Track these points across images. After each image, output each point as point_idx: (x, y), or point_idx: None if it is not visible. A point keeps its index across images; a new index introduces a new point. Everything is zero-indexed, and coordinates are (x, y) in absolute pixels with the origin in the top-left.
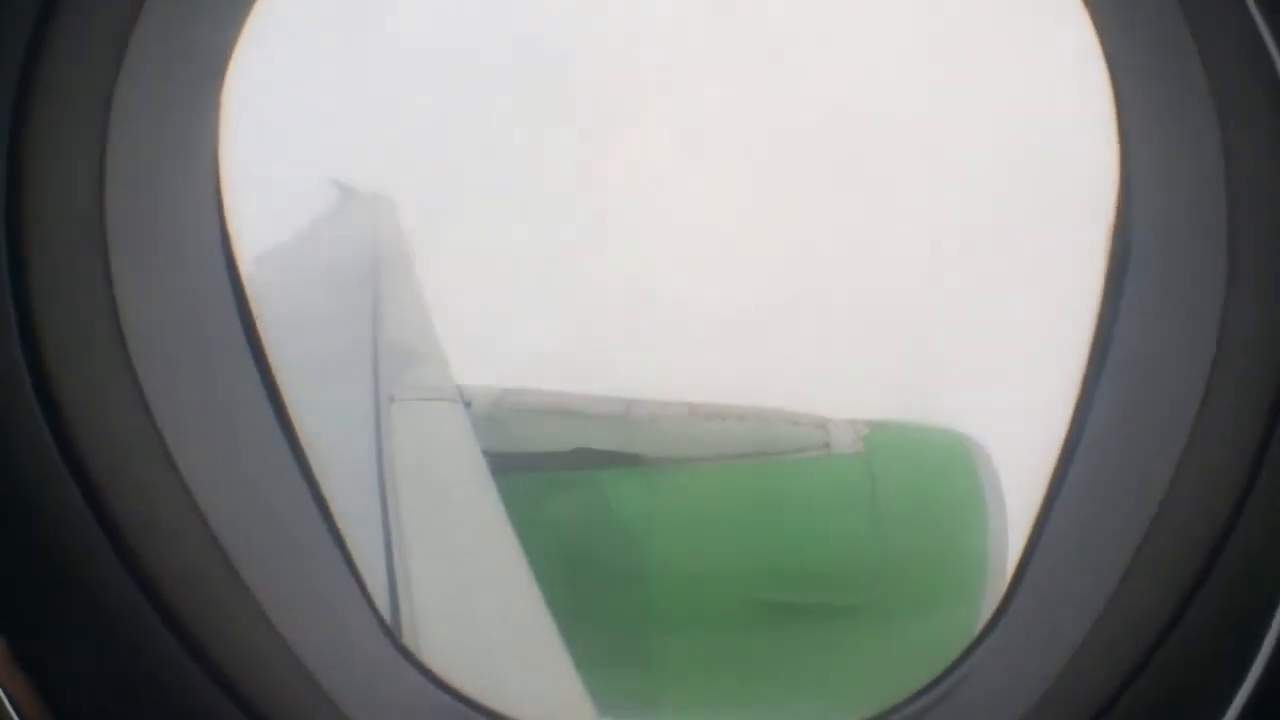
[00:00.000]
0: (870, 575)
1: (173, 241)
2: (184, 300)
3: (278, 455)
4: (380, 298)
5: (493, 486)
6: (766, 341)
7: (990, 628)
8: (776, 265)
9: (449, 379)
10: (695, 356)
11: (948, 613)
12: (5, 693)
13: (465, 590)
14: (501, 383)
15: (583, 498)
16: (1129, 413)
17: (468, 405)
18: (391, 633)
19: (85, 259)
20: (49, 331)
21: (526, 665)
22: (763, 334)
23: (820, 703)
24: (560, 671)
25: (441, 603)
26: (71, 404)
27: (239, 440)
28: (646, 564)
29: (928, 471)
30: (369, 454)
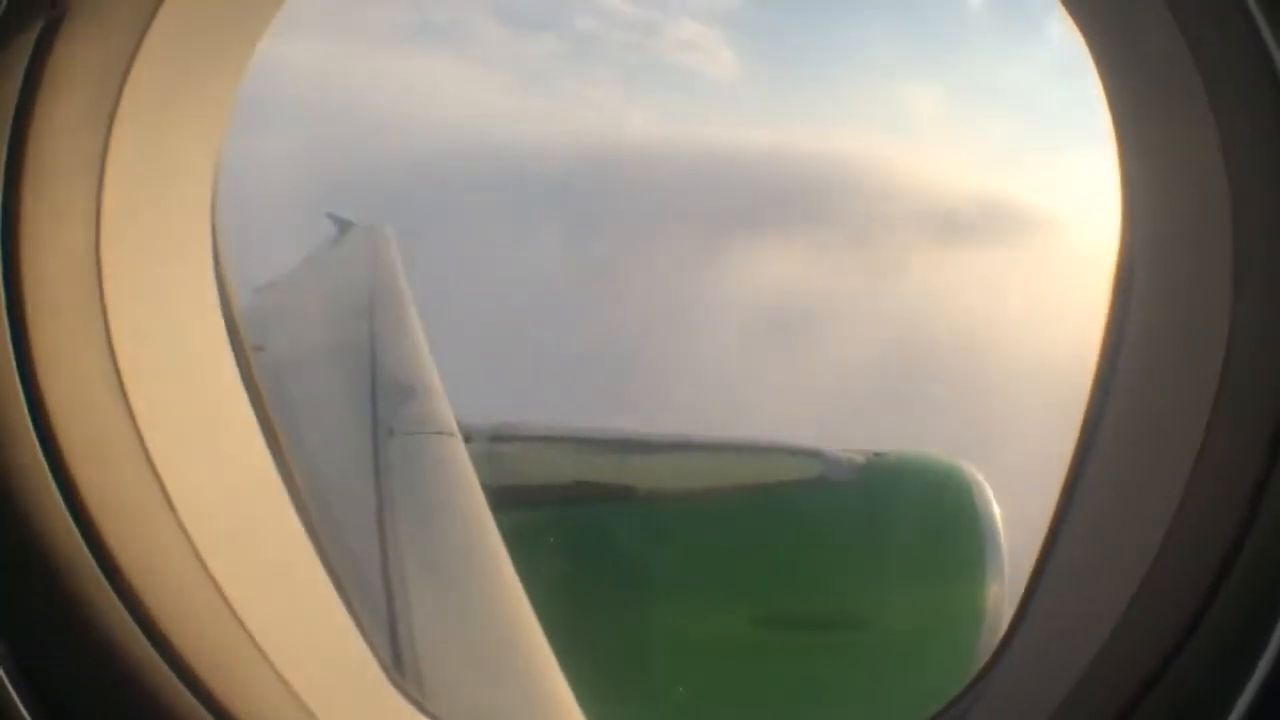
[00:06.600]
0: (868, 606)
1: (168, 281)
2: (179, 338)
3: (273, 491)
4: (377, 330)
5: (491, 520)
6: (763, 373)
7: (1002, 648)
8: (771, 295)
9: (446, 412)
10: (691, 389)
11: (946, 643)
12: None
13: (464, 624)
14: (499, 416)
15: (580, 531)
16: (1138, 428)
17: (466, 439)
18: (387, 666)
19: (83, 300)
20: (47, 371)
21: (527, 698)
22: (759, 366)
23: None
24: (560, 704)
25: (441, 636)
26: (69, 441)
27: (234, 476)
28: (645, 597)
29: (925, 501)
30: (367, 487)
